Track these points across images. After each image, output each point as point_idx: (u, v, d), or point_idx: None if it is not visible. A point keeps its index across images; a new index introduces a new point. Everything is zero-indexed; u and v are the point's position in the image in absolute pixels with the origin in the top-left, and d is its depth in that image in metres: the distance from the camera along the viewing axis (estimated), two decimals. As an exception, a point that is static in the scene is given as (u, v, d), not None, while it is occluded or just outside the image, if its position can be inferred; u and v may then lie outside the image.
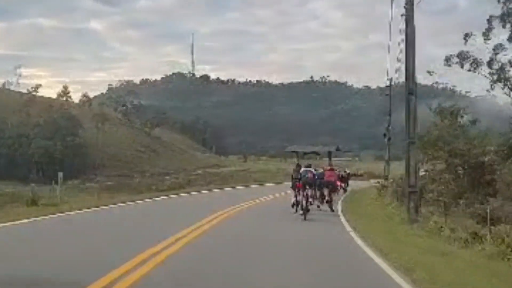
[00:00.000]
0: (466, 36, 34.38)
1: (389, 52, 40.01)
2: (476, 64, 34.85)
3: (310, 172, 19.71)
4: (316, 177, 20.65)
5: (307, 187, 19.10)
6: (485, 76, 34.76)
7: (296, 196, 19.45)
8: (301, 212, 18.43)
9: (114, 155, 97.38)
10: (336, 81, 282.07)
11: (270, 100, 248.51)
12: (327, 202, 21.92)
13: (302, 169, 19.89)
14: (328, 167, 25.37)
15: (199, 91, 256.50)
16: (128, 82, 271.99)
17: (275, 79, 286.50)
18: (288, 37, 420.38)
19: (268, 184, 57.23)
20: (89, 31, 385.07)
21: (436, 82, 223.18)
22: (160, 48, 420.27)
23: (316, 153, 77.18)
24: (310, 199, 19.44)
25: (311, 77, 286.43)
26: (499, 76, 34.08)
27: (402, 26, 20.48)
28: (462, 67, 35.15)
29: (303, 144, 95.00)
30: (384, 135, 50.11)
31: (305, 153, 73.79)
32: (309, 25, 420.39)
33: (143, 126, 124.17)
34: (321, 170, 23.54)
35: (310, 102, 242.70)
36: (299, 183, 19.19)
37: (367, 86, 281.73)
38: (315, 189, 21.14)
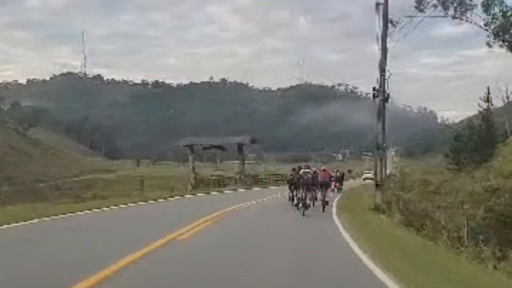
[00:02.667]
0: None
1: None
2: (464, 8, 25.79)
3: (309, 173, 21.07)
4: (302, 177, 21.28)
5: (306, 187, 20.54)
6: (479, 26, 25.68)
7: (291, 193, 23.07)
8: (302, 209, 19.74)
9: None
10: (236, 82, 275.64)
11: (168, 101, 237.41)
12: (322, 202, 22.30)
13: (302, 170, 21.26)
14: (322, 168, 25.71)
15: (91, 92, 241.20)
16: (11, 83, 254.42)
17: (173, 81, 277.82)
18: (185, 41, 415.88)
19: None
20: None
21: (339, 84, 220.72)
22: (52, 49, 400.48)
23: (220, 147, 66.10)
24: (308, 198, 20.82)
25: (211, 78, 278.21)
26: (503, 26, 25.04)
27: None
28: (446, 13, 25.91)
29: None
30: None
31: (204, 148, 65.59)
32: (206, 29, 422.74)
33: (16, 126, 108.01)
34: (314, 170, 23.69)
35: (210, 104, 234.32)
36: (298, 183, 20.98)
37: (267, 87, 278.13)
38: (314, 189, 22.19)
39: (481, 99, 41.21)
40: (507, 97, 40.51)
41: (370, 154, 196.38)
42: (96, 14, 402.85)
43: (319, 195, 22.63)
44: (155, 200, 28.63)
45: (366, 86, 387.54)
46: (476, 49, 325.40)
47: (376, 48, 22.18)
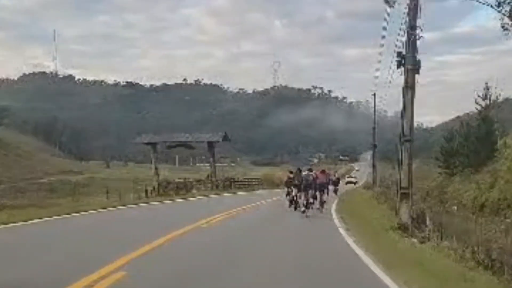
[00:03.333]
0: None
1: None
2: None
3: (311, 175, 21.91)
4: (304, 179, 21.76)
5: (308, 188, 21.22)
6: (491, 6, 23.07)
7: (289, 195, 23.85)
8: (302, 209, 20.59)
9: None
10: (211, 84, 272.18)
11: (141, 102, 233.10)
12: (320, 203, 22.79)
13: (304, 173, 22.14)
14: (320, 170, 26.07)
15: (62, 92, 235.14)
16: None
17: (147, 82, 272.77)
18: (160, 43, 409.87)
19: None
20: None
21: (314, 87, 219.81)
22: (25, 50, 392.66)
23: (187, 146, 56.68)
24: (311, 199, 21.46)
25: (185, 79, 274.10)
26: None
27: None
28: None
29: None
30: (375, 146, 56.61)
31: (169, 146, 57.46)
32: (182, 32, 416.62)
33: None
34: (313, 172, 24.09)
35: (184, 105, 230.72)
36: (300, 185, 21.45)
37: (243, 90, 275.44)
38: (314, 190, 22.19)
39: (479, 96, 38.34)
40: (497, 97, 38.03)
41: (347, 157, 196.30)
42: (70, 14, 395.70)
43: (318, 196, 22.89)
44: (86, 211, 20.81)
45: (342, 90, 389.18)
46: (447, 55, 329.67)
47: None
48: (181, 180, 54.31)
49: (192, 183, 52.56)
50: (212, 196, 39.49)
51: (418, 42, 15.45)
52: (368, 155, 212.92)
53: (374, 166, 57.00)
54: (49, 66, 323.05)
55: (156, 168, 51.45)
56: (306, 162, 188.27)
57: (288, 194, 24.18)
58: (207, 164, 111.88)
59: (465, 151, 33.06)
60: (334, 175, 39.79)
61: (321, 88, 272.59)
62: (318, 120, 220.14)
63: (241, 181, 61.18)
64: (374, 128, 56.21)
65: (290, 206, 23.21)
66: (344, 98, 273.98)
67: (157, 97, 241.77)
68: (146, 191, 44.82)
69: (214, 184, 51.13)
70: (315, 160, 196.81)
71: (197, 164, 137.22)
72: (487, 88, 38.32)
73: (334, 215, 20.32)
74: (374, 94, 55.18)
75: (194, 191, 47.08)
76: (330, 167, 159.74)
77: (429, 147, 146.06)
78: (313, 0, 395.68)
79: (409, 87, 15.58)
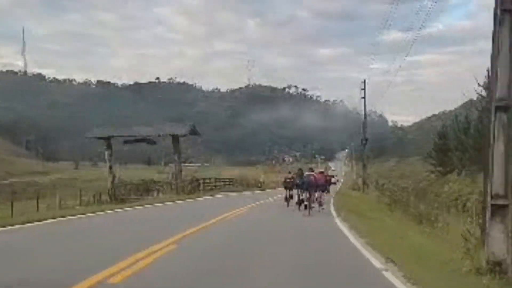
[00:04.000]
0: None
1: None
2: None
3: (312, 176, 22.23)
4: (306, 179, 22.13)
5: (309, 188, 21.50)
6: None
7: (288, 194, 25.25)
8: (304, 208, 21.25)
9: None
10: (184, 83, 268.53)
11: (113, 101, 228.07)
12: (318, 202, 22.79)
13: (306, 173, 22.58)
14: (319, 171, 27.01)
15: (31, 91, 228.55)
16: None
17: (119, 81, 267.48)
18: (133, 42, 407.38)
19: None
20: None
21: (289, 86, 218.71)
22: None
23: (148, 141, 47.31)
24: (312, 198, 21.76)
25: (157, 78, 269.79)
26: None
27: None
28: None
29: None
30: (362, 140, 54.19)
31: (125, 141, 47.43)
32: (154, 31, 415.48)
33: None
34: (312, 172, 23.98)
35: (156, 104, 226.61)
36: (301, 185, 22.08)
37: (216, 88, 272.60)
38: (315, 190, 22.38)
39: (480, 85, 35.01)
40: (481, 92, 35.86)
41: (322, 156, 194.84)
42: (41, 12, 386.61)
43: (316, 195, 22.83)
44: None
45: (316, 90, 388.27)
46: (418, 55, 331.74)
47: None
48: (140, 182, 46.70)
49: (154, 185, 45.74)
50: (169, 203, 29.40)
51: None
52: (343, 154, 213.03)
53: (364, 165, 52.88)
54: (19, 65, 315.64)
55: (110, 168, 44.38)
56: (280, 162, 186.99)
57: (288, 196, 25.31)
58: (188, 164, 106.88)
59: (465, 147, 30.30)
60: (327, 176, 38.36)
61: (295, 87, 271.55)
62: (292, 119, 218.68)
63: (212, 183, 53.08)
64: (364, 123, 52.87)
65: (288, 206, 24.42)
66: (319, 97, 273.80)
67: (129, 96, 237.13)
68: (108, 191, 40.92)
69: (178, 186, 42.00)
70: (290, 160, 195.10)
71: (170, 165, 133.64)
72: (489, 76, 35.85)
73: (358, 243, 12.08)
74: (364, 88, 53.40)
75: (154, 195, 41.33)
76: (307, 166, 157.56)
77: (405, 146, 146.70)
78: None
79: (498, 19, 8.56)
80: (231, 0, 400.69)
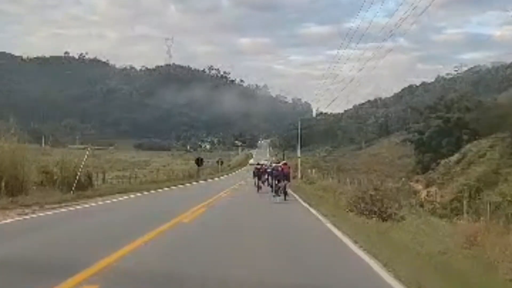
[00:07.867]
0: None
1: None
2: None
3: (279, 167, 26.25)
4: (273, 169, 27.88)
5: (277, 178, 25.04)
6: None
7: (259, 182, 30.68)
8: (273, 194, 25.27)
9: None
10: (96, 59, 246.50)
11: (13, 75, 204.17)
12: (283, 191, 25.00)
13: (273, 164, 30.57)
14: (283, 162, 28.83)
15: None
16: None
17: (21, 53, 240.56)
18: (48, 21, 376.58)
19: None
20: None
21: (210, 67, 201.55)
22: None
23: None
24: (279, 185, 24.84)
25: (66, 52, 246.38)
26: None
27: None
28: None
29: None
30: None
31: None
32: (72, 10, 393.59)
33: None
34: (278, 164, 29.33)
35: (64, 80, 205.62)
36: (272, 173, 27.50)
37: (130, 66, 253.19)
38: (279, 179, 25.18)
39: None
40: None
41: (244, 144, 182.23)
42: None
43: (282, 184, 24.93)
44: None
45: (237, 77, 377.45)
46: (339, 49, 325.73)
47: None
48: None
49: None
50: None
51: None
52: (265, 142, 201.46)
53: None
54: None
55: None
56: (196, 147, 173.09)
57: (258, 182, 30.71)
58: (82, 146, 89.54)
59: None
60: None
61: (217, 69, 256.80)
62: (212, 102, 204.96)
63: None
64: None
65: (258, 190, 29.51)
66: (242, 81, 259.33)
67: (31, 71, 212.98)
68: None
69: None
70: (207, 146, 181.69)
71: (69, 146, 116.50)
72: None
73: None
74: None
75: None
76: (226, 153, 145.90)
77: (336, 132, 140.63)
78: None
79: None
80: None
